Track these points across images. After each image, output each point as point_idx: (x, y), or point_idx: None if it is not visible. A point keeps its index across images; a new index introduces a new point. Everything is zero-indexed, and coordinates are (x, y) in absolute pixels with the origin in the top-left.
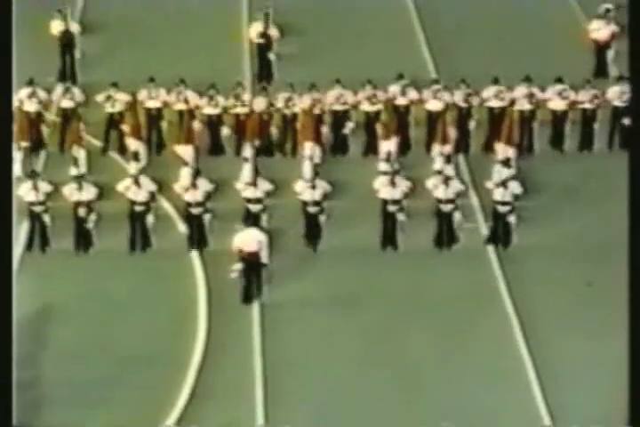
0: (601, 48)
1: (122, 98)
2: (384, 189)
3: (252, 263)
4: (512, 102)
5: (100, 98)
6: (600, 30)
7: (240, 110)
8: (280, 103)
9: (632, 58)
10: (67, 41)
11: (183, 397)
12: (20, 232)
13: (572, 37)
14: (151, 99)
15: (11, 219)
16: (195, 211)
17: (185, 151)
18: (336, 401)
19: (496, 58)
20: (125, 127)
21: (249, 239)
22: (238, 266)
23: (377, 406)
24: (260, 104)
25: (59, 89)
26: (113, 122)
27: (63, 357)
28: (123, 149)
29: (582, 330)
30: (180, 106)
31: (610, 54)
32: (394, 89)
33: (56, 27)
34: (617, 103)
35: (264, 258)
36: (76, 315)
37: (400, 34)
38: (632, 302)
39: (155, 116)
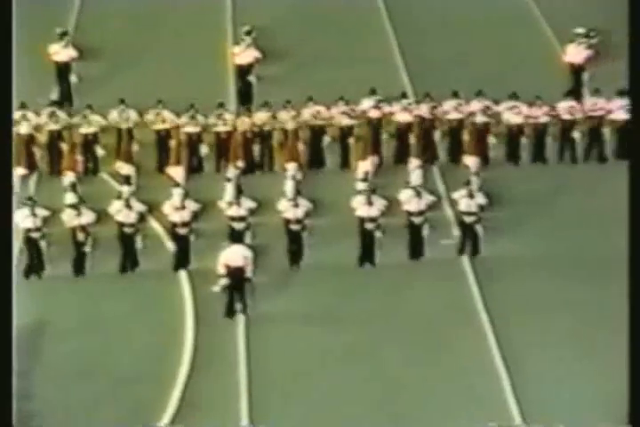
0: (577, 70)
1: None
2: (361, 207)
3: (237, 278)
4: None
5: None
6: (575, 54)
7: (222, 129)
8: (259, 122)
9: (632, 69)
10: (64, 65)
11: (170, 411)
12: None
13: (547, 60)
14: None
15: (11, 240)
16: (182, 231)
17: (176, 172)
18: (317, 412)
19: (475, 79)
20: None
21: (235, 255)
22: (224, 281)
23: (356, 416)
24: (243, 124)
25: (51, 111)
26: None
27: (56, 372)
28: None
29: (557, 340)
30: (160, 126)
31: (585, 76)
32: (367, 103)
33: (55, 51)
34: (566, 117)
35: (249, 273)
36: (69, 333)
37: (375, 55)
38: (632, 302)
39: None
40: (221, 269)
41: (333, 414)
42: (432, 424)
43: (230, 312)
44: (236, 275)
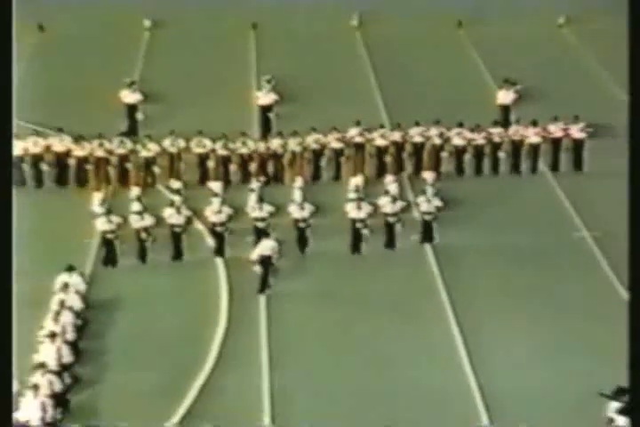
0: (504, 108)
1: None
2: (353, 211)
3: (266, 264)
4: (428, 138)
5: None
6: (504, 96)
7: (245, 151)
8: (273, 146)
9: (632, 69)
10: (132, 106)
11: (208, 366)
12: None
13: (485, 99)
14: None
15: (10, 239)
16: (219, 229)
17: (214, 185)
18: (318, 369)
19: (433, 112)
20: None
21: (267, 247)
22: (258, 267)
23: (350, 365)
24: (261, 148)
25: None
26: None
27: (125, 333)
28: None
29: (505, 315)
30: (200, 150)
31: (512, 115)
32: (353, 131)
33: (125, 95)
34: (497, 140)
35: (274, 260)
36: (135, 305)
37: (360, 96)
38: (632, 302)
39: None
40: (255, 257)
41: (333, 364)
42: (402, 369)
43: (262, 290)
44: (265, 261)
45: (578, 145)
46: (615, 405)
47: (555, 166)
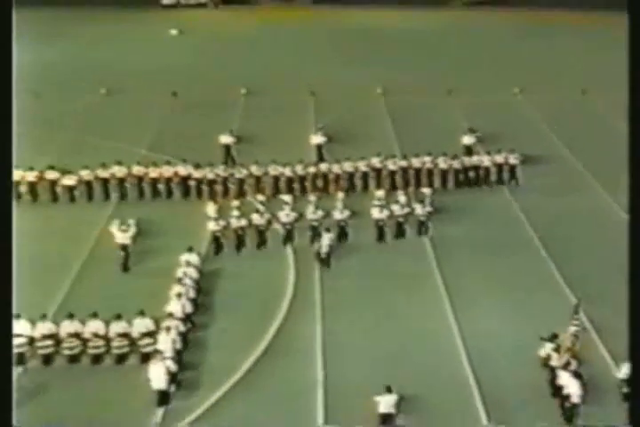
0: (467, 147)
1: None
2: (377, 213)
3: (330, 250)
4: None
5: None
6: (467, 140)
7: (301, 173)
8: (322, 169)
9: (632, 69)
10: (227, 146)
11: (280, 316)
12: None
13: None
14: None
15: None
16: (288, 227)
17: (286, 197)
18: (358, 320)
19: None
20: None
21: (328, 240)
22: (325, 251)
23: (380, 323)
24: (312, 170)
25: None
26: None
27: (226, 295)
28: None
29: (488, 289)
30: (275, 173)
31: (474, 154)
32: (374, 160)
33: (223, 139)
34: (467, 164)
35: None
36: (232, 277)
37: (381, 138)
38: (632, 302)
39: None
40: (323, 248)
41: (369, 316)
42: (412, 322)
43: (328, 266)
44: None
45: (513, 168)
46: (550, 345)
47: (501, 182)
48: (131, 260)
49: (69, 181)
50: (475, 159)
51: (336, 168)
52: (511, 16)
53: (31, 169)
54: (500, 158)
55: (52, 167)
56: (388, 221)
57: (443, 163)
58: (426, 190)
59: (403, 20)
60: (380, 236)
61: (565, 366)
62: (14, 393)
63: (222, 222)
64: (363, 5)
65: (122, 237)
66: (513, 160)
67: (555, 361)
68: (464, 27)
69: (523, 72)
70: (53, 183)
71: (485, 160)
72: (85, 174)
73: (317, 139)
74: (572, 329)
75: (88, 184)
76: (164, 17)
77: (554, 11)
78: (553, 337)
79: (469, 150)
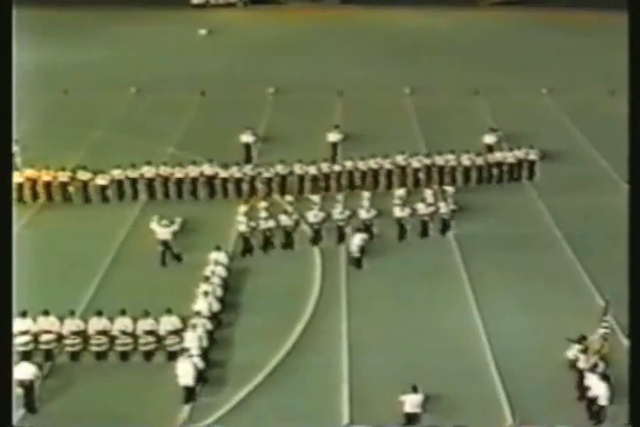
0: (489, 146)
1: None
2: (398, 212)
3: (362, 249)
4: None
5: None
6: (487, 138)
7: (326, 171)
8: (348, 167)
9: (632, 69)
10: (247, 145)
11: (301, 324)
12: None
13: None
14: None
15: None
16: (316, 227)
17: (315, 198)
18: (384, 312)
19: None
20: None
21: (358, 239)
22: (356, 250)
23: (408, 313)
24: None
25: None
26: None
27: (253, 292)
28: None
29: (510, 282)
30: (301, 172)
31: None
32: (399, 158)
33: (243, 138)
34: (490, 160)
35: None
36: (262, 273)
37: (407, 136)
38: (632, 303)
39: None
40: (354, 248)
41: (393, 307)
42: (438, 312)
43: (360, 266)
44: (362, 247)
45: (532, 164)
46: (578, 347)
47: (519, 177)
48: (168, 255)
49: (102, 180)
50: (498, 155)
51: (361, 165)
52: (539, 16)
53: (63, 170)
54: (520, 154)
55: (83, 167)
56: (410, 219)
57: (466, 160)
58: (449, 188)
59: (430, 20)
60: (402, 234)
61: (593, 369)
62: (40, 390)
63: (252, 224)
64: (390, 5)
65: (163, 232)
66: (532, 156)
67: (582, 363)
68: (492, 27)
69: (551, 72)
70: (85, 184)
71: (509, 157)
72: (117, 174)
73: (333, 136)
74: (601, 331)
75: (119, 183)
76: (193, 17)
77: (581, 10)
78: (581, 339)
79: (491, 149)
